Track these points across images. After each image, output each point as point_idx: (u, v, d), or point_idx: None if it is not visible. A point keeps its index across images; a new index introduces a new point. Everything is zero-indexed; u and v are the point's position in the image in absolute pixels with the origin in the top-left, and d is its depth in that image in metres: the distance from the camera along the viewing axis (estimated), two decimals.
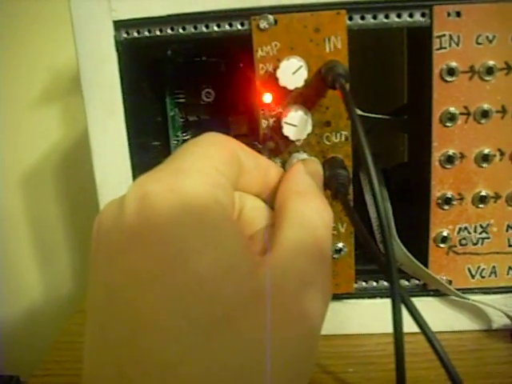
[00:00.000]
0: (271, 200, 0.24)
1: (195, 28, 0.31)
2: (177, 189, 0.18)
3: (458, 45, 0.29)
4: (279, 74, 0.28)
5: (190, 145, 0.21)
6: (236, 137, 0.23)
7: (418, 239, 0.34)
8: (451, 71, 0.30)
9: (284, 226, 0.20)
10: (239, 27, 0.30)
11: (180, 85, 0.39)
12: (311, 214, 0.21)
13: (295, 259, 0.19)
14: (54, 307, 0.68)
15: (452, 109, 0.30)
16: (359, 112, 0.33)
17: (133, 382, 0.16)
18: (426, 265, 0.33)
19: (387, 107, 0.40)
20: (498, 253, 0.33)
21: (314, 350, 0.19)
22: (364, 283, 0.35)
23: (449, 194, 0.32)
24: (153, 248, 0.17)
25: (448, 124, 0.31)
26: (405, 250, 0.32)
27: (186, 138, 0.40)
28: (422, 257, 0.33)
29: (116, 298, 0.17)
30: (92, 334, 0.18)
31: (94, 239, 0.19)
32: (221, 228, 0.18)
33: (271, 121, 0.30)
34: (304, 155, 0.30)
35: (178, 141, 0.40)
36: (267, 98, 0.30)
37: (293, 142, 0.30)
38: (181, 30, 0.31)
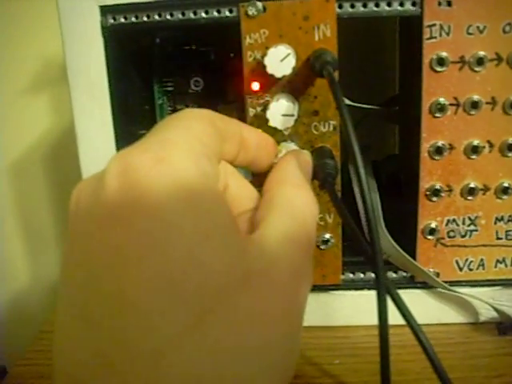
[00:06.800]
0: (248, 163, 0.23)
1: (183, 14, 0.30)
2: (164, 160, 0.17)
3: (448, 35, 0.29)
4: (267, 61, 0.27)
5: (170, 119, 0.20)
6: None
7: (406, 231, 0.33)
8: (441, 61, 0.29)
9: (274, 213, 0.20)
10: (227, 14, 0.30)
11: (169, 73, 0.39)
12: (302, 205, 0.21)
13: (286, 247, 0.19)
14: (42, 296, 0.67)
15: (442, 99, 0.30)
16: (348, 102, 0.32)
17: (117, 368, 0.15)
18: (413, 257, 0.33)
19: (380, 98, 0.40)
20: (485, 245, 0.33)
21: (298, 343, 0.19)
22: (351, 275, 0.34)
23: (437, 186, 0.31)
24: (139, 224, 0.15)
25: (437, 115, 0.30)
26: (392, 241, 0.32)
27: None
28: (410, 249, 0.33)
29: (98, 276, 0.16)
30: (69, 315, 0.17)
31: (71, 214, 0.17)
32: (211, 203, 0.17)
33: (258, 109, 0.30)
34: (292, 144, 0.30)
35: None
36: (255, 85, 0.29)
37: (280, 131, 0.30)
38: (168, 17, 0.31)
